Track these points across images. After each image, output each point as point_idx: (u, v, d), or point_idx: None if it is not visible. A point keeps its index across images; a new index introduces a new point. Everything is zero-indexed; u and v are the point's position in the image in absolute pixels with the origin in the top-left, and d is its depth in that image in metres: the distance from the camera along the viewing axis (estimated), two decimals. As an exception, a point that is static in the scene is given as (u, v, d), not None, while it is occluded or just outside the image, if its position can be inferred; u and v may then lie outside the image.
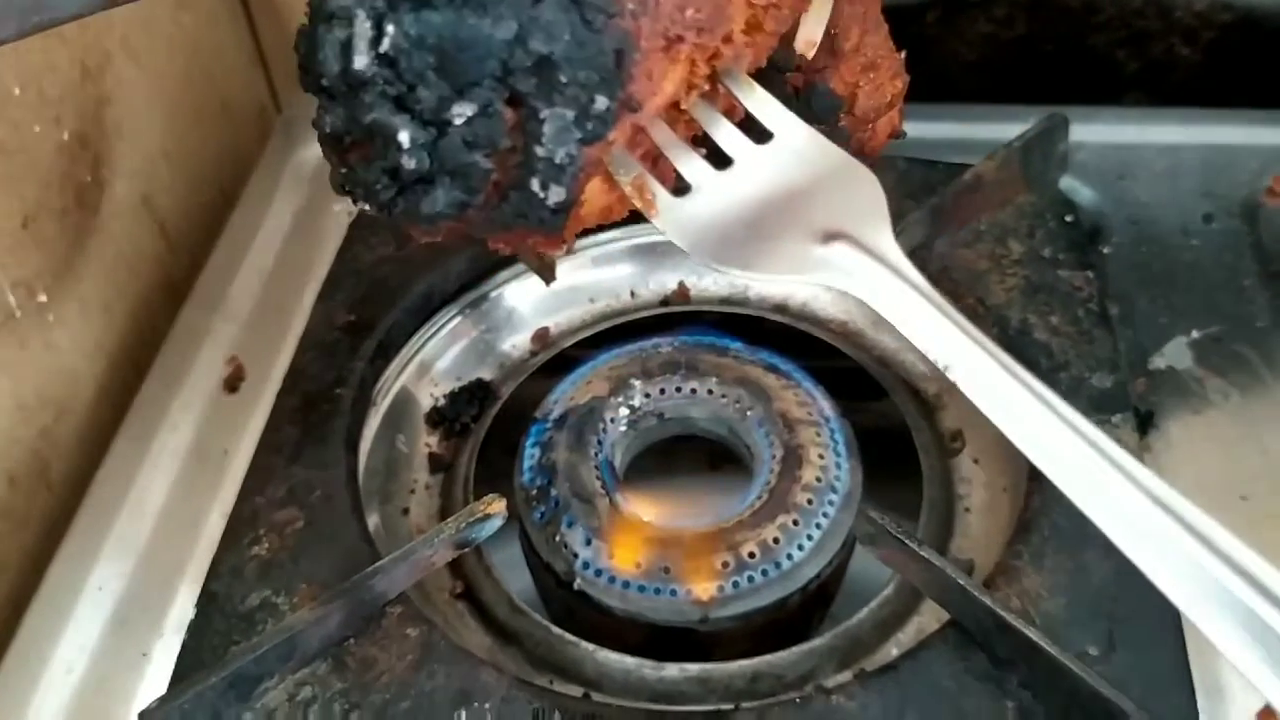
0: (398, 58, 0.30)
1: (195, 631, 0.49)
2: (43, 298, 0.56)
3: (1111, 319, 0.57)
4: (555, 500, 0.54)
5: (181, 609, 0.51)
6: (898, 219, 0.58)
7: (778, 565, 0.52)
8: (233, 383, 0.60)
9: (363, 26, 0.30)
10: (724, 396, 0.59)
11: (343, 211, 0.69)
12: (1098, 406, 0.53)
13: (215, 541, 0.52)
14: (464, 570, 0.55)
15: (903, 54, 0.47)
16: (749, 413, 0.58)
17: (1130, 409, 0.53)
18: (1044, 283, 0.58)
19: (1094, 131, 0.67)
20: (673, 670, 0.50)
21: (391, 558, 0.47)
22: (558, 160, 0.31)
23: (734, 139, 0.35)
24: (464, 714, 0.45)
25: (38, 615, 0.52)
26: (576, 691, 0.50)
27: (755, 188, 0.34)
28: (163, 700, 0.44)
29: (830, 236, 0.33)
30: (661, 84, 0.32)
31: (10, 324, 0.54)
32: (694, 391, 0.59)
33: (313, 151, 0.74)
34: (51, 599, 0.52)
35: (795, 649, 0.50)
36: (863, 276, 0.33)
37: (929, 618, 0.51)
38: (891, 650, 0.51)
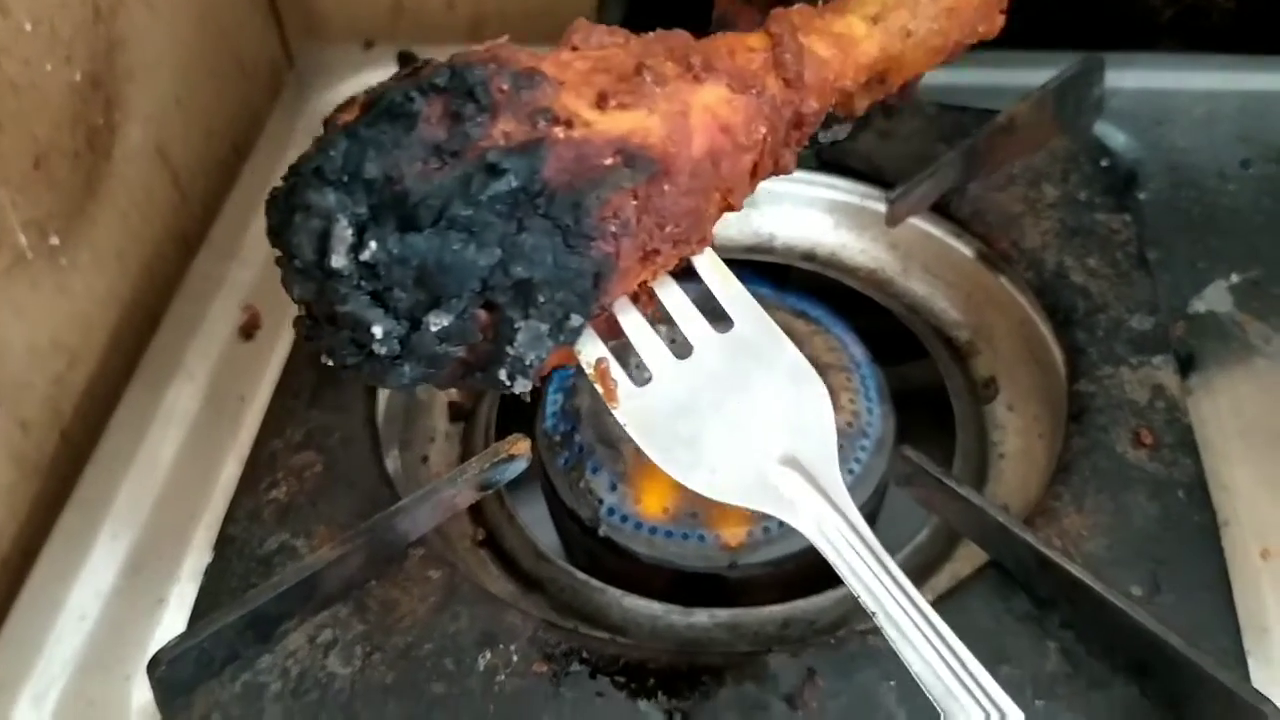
0: (377, 266, 0.29)
1: (213, 575, 0.48)
2: (55, 240, 0.55)
3: (1149, 262, 0.55)
4: (579, 446, 0.53)
5: (198, 555, 0.50)
6: (928, 162, 0.57)
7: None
8: (248, 330, 0.59)
9: (343, 230, 0.29)
10: (751, 342, 0.57)
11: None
12: (1138, 348, 0.51)
13: (231, 488, 0.51)
14: (486, 517, 0.54)
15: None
16: (777, 358, 0.56)
17: (1170, 351, 0.51)
18: (1080, 226, 0.57)
19: (1130, 77, 0.65)
20: (702, 616, 0.48)
21: (413, 497, 0.46)
22: (528, 362, 0.31)
23: (696, 326, 0.35)
24: (489, 655, 0.44)
25: (49, 562, 0.51)
26: (603, 637, 0.48)
27: (712, 383, 0.35)
28: (181, 638, 0.43)
29: (783, 459, 0.34)
30: (630, 285, 0.32)
31: (22, 264, 0.53)
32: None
33: (325, 105, 0.73)
34: (64, 546, 0.51)
35: (827, 594, 0.49)
36: (808, 513, 0.34)
37: (964, 564, 0.50)
38: (926, 596, 0.49)
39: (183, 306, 0.61)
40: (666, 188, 0.31)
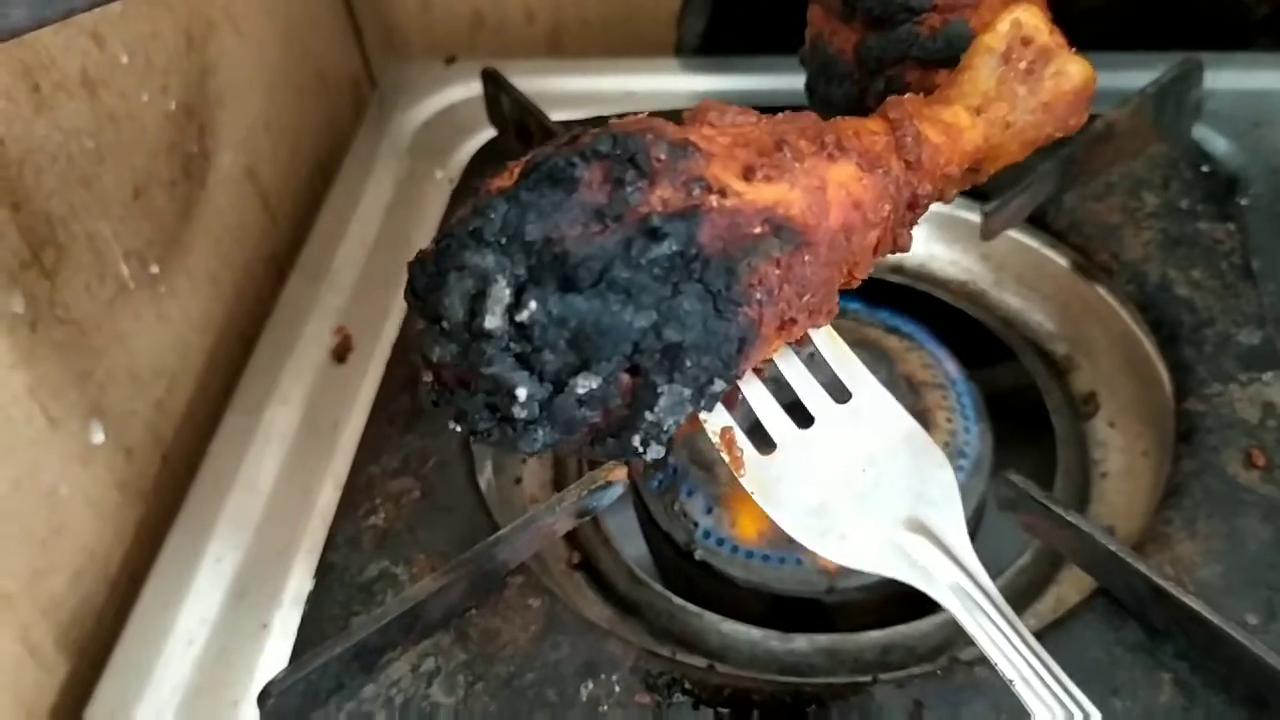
0: (532, 327, 0.29)
1: (315, 602, 0.48)
2: (155, 269, 0.56)
3: (1255, 274, 0.54)
4: (674, 468, 0.52)
5: (299, 580, 0.51)
6: (1023, 172, 0.56)
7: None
8: (341, 353, 0.60)
9: (501, 291, 0.30)
10: (844, 360, 0.57)
11: (444, 179, 0.68)
12: (1247, 364, 0.50)
13: (330, 513, 0.52)
14: (581, 540, 0.54)
15: (1042, -9, 0.44)
16: (870, 376, 0.56)
17: (1281, 366, 0.50)
18: (1183, 236, 0.55)
19: (1226, 78, 0.63)
20: (801, 641, 0.48)
21: (513, 526, 0.46)
22: (665, 427, 0.31)
23: (817, 398, 0.36)
24: (591, 685, 0.44)
25: (157, 588, 0.52)
26: (701, 663, 0.48)
27: (835, 453, 0.35)
28: (289, 671, 0.43)
29: (910, 525, 0.35)
30: (767, 353, 0.33)
31: (125, 295, 0.54)
32: (812, 356, 0.57)
33: (410, 121, 0.74)
34: (170, 571, 0.52)
35: (927, 620, 0.48)
36: (943, 580, 0.35)
37: (1068, 587, 0.49)
38: (1029, 621, 0.48)
39: (276, 329, 0.62)
40: (807, 258, 0.32)
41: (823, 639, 0.48)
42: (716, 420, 0.34)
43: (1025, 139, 0.39)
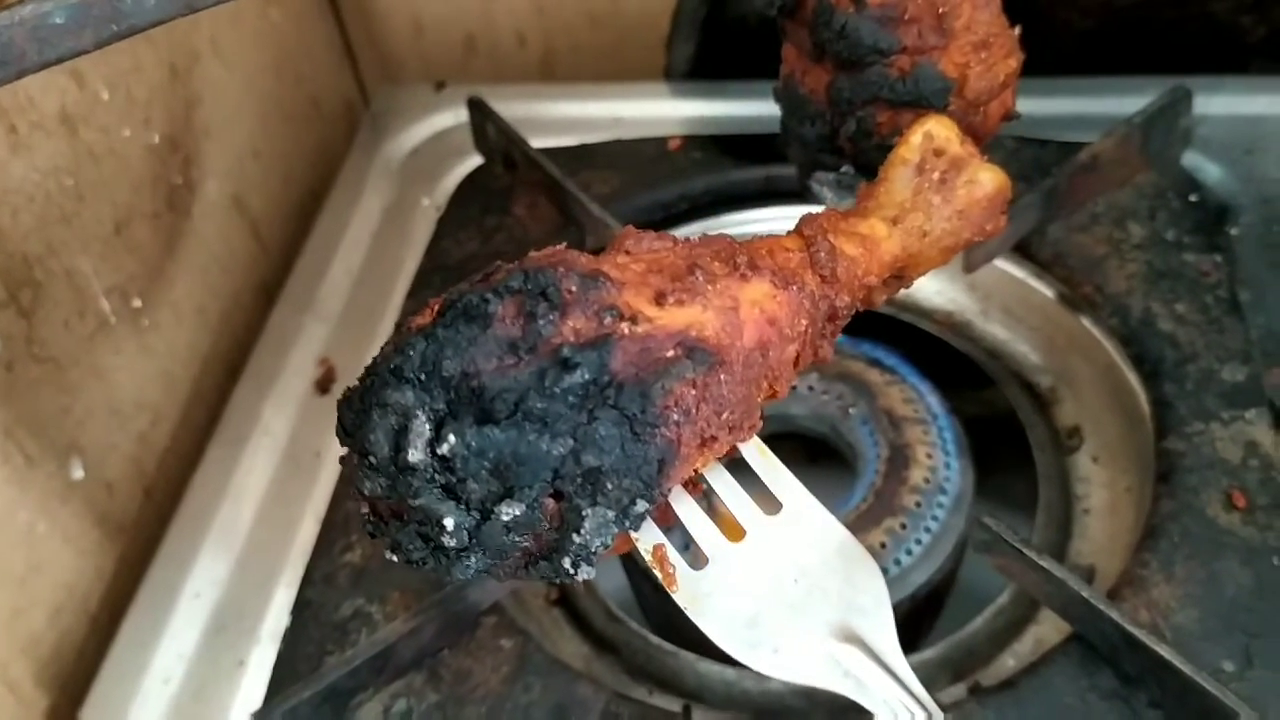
0: (454, 459, 0.31)
1: (290, 640, 0.48)
2: (137, 302, 0.56)
3: (1243, 306, 0.53)
4: (651, 504, 0.52)
5: (277, 616, 0.51)
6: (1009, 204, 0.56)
7: (885, 571, 0.50)
8: (324, 384, 0.60)
9: (421, 426, 0.31)
10: (825, 393, 0.56)
11: (431, 207, 0.68)
12: (1229, 402, 0.49)
13: (310, 546, 0.52)
14: (559, 576, 0.54)
15: (1016, 30, 0.44)
16: (851, 410, 0.55)
17: (1265, 403, 0.49)
18: (1168, 268, 0.55)
19: (1218, 103, 0.62)
20: (776, 682, 0.48)
21: (484, 567, 0.46)
22: (593, 549, 0.32)
23: (747, 510, 0.36)
24: (561, 729, 0.43)
25: (135, 623, 0.52)
26: (676, 705, 0.48)
27: (767, 565, 0.36)
28: (257, 716, 0.44)
29: (843, 635, 0.35)
30: (689, 471, 0.34)
31: (105, 331, 0.54)
32: (794, 387, 0.57)
33: (400, 146, 0.74)
34: (149, 607, 0.52)
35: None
36: (876, 691, 0.35)
37: (1048, 627, 0.49)
38: (1008, 662, 0.48)
39: (261, 360, 0.62)
40: (723, 377, 0.33)
41: (798, 679, 0.47)
42: (648, 538, 0.35)
43: (944, 246, 0.40)
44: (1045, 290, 0.58)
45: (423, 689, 0.46)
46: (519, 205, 0.65)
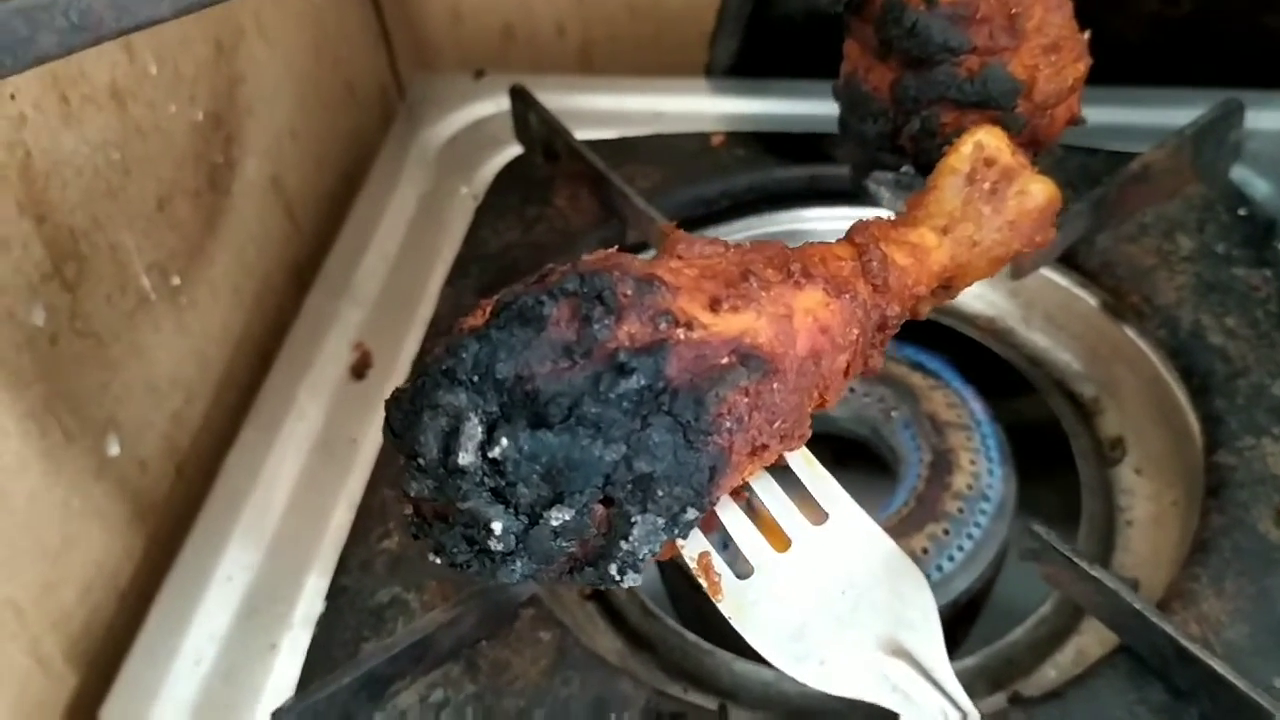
0: (504, 463, 0.30)
1: (325, 626, 0.48)
2: (176, 280, 0.56)
3: (1292, 322, 0.53)
4: (691, 501, 0.52)
5: (310, 601, 0.50)
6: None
7: (927, 577, 0.49)
8: (360, 370, 0.59)
9: (474, 428, 0.31)
10: (867, 395, 0.56)
11: (469, 195, 0.68)
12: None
13: (344, 533, 0.51)
14: (594, 570, 0.53)
15: (1086, 34, 0.43)
16: (894, 413, 0.55)
17: (1316, 421, 0.49)
18: (1217, 281, 0.54)
19: (1268, 118, 0.62)
20: (814, 685, 0.47)
21: (527, 558, 0.45)
22: (641, 555, 0.32)
23: (793, 520, 0.36)
24: (601, 724, 0.43)
25: (167, 604, 0.51)
26: (712, 703, 0.48)
27: (813, 576, 0.36)
28: (295, 700, 0.43)
29: (890, 649, 0.35)
30: (739, 479, 0.34)
31: (145, 307, 0.54)
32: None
33: (437, 134, 0.73)
34: (181, 587, 0.52)
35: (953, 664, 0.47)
36: (926, 705, 0.35)
37: (1090, 638, 0.48)
38: (1049, 673, 0.48)
39: (295, 344, 0.61)
40: (775, 385, 0.33)
41: (837, 682, 0.47)
42: (693, 546, 0.35)
43: (993, 256, 0.40)
44: (1089, 299, 0.57)
45: (460, 679, 0.45)
46: (560, 196, 0.64)
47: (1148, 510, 0.52)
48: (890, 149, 0.46)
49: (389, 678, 0.44)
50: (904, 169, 0.46)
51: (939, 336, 0.59)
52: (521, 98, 0.65)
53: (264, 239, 0.64)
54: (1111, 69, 0.62)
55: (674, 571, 0.52)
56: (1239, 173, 0.60)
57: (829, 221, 0.62)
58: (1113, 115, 0.64)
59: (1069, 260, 0.57)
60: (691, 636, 0.49)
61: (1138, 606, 0.41)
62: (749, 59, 0.72)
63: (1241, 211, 0.58)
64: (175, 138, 0.56)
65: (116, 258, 0.52)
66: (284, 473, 0.56)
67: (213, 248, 0.59)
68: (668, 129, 0.68)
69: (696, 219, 0.63)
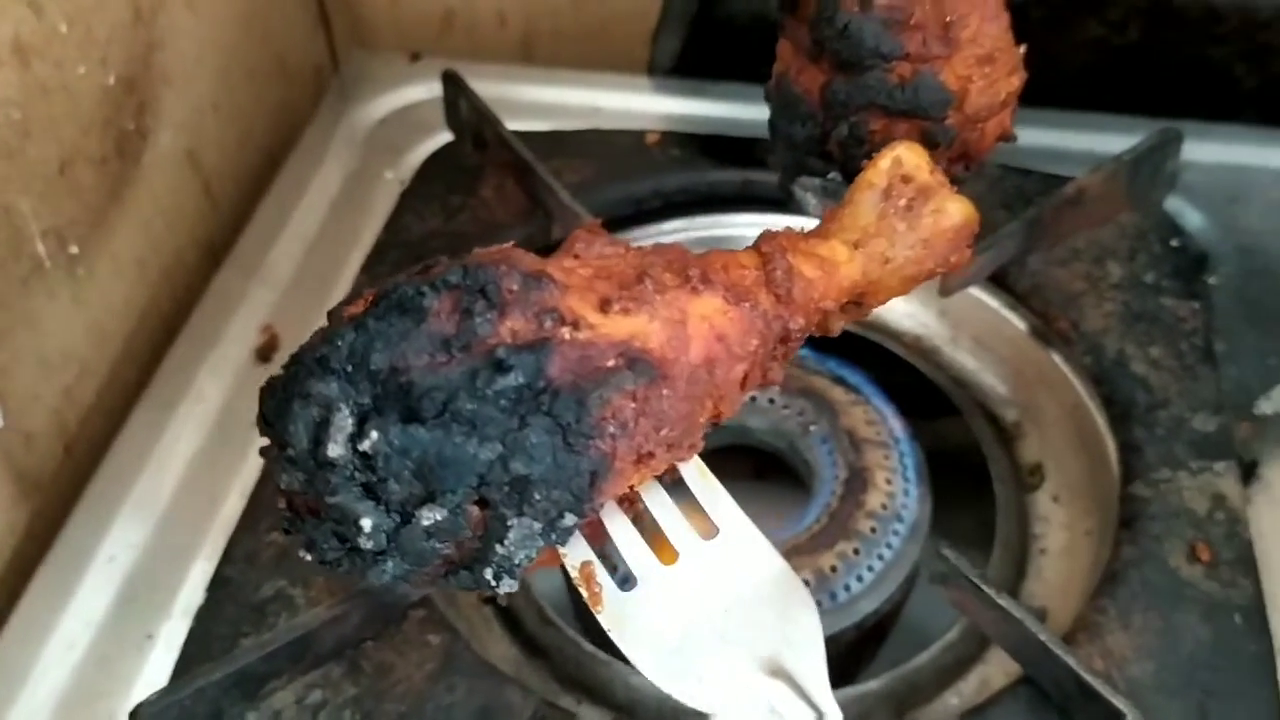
0: (375, 457, 0.29)
1: (203, 618, 0.46)
2: (74, 249, 0.53)
3: (1217, 356, 0.52)
4: (598, 506, 0.50)
5: (192, 590, 0.48)
6: (988, 228, 0.54)
7: (833, 596, 0.48)
8: (266, 353, 0.57)
9: (344, 419, 0.30)
10: (786, 407, 0.55)
11: (395, 180, 0.66)
12: (1199, 452, 0.48)
13: (232, 523, 0.49)
14: (495, 573, 0.51)
15: (1022, 49, 0.42)
16: (812, 427, 0.54)
17: (1234, 457, 0.48)
18: (1145, 310, 0.53)
19: (1206, 150, 0.62)
20: (711, 703, 0.46)
21: (418, 557, 0.43)
22: (516, 561, 0.31)
23: (682, 533, 0.35)
24: (484, 735, 0.41)
25: (45, 582, 0.49)
26: (607, 717, 0.46)
27: (698, 591, 0.34)
28: (163, 693, 0.41)
29: (771, 669, 0.34)
30: (624, 486, 0.32)
31: (39, 275, 0.51)
32: (754, 399, 0.55)
33: (368, 115, 0.71)
34: (60, 566, 0.49)
35: (844, 690, 0.46)
36: None
37: (995, 667, 0.47)
38: (951, 701, 0.46)
39: (201, 322, 0.59)
40: (665, 392, 0.32)
41: (735, 701, 0.46)
42: (576, 554, 0.33)
43: (905, 275, 0.39)
44: (1018, 322, 0.56)
45: (341, 681, 0.43)
46: (486, 186, 0.62)
47: (1062, 539, 0.51)
48: (819, 154, 0.44)
49: (264, 676, 0.42)
50: (831, 175, 0.45)
51: (864, 351, 0.58)
52: (454, 82, 0.63)
53: (175, 213, 0.62)
54: (1052, 92, 0.62)
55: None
56: (1173, 203, 0.60)
57: (761, 228, 0.60)
58: (1051, 139, 0.63)
59: (999, 281, 0.56)
60: (589, 647, 0.48)
61: (1042, 638, 0.40)
62: (691, 60, 0.70)
63: (1174, 242, 0.57)
64: (82, 101, 0.53)
65: (10, 221, 0.49)
66: (177, 454, 0.53)
67: (117, 218, 0.57)
68: (606, 124, 0.66)
69: (625, 218, 0.61)
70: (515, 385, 0.29)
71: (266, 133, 0.70)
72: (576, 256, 0.34)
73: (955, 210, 0.39)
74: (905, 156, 0.39)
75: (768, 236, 0.37)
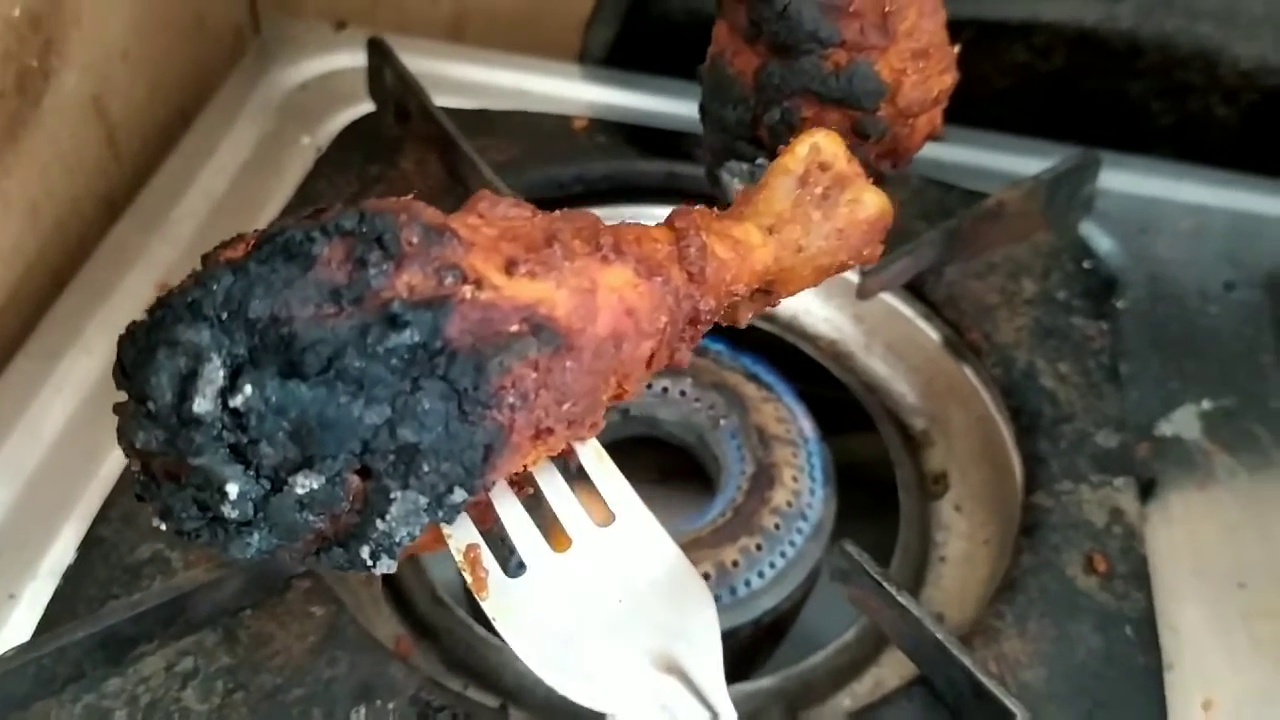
0: (247, 415, 0.26)
1: (72, 577, 0.43)
2: (-40, 185, 0.50)
3: (1121, 377, 0.53)
4: (498, 487, 0.49)
5: (61, 550, 0.45)
6: (907, 236, 0.54)
7: (733, 591, 0.47)
8: (160, 310, 0.55)
9: (214, 371, 0.26)
10: (697, 400, 0.54)
11: (311, 145, 0.64)
12: (1100, 466, 0.48)
13: (111, 482, 0.47)
14: (386, 550, 0.50)
15: (956, 48, 0.42)
16: (722, 421, 0.53)
17: (1134, 473, 0.49)
18: (1055, 327, 0.54)
19: (1121, 180, 0.63)
20: (602, 692, 0.44)
21: (306, 524, 0.42)
22: (397, 538, 0.28)
23: (576, 519, 0.33)
24: (363, 711, 0.39)
25: (-98, 534, 0.46)
26: (494, 701, 0.45)
27: (591, 582, 0.33)
28: (21, 650, 0.38)
29: (663, 664, 0.32)
30: (519, 463, 0.30)
31: (-83, 206, 0.48)
32: (665, 390, 0.54)
33: (287, 79, 0.69)
34: (-82, 517, 0.46)
35: (737, 687, 0.45)
36: None
37: (889, 670, 0.47)
38: (844, 701, 0.46)
39: (93, 274, 0.56)
40: (569, 364, 0.30)
41: (626, 691, 0.44)
42: (461, 536, 0.31)
43: (818, 264, 0.38)
44: (931, 333, 0.56)
45: (215, 649, 0.41)
46: (406, 159, 0.61)
47: (961, 548, 0.51)
48: (748, 139, 0.44)
49: (133, 639, 0.40)
50: (759, 161, 0.44)
51: (778, 352, 0.58)
52: (379, 51, 0.62)
53: (75, 161, 0.59)
54: (977, 111, 0.62)
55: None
56: (1087, 228, 0.61)
57: (682, 221, 0.60)
58: (974, 156, 0.64)
59: (916, 290, 0.56)
60: (480, 630, 0.46)
61: (939, 637, 0.40)
62: (624, 51, 0.70)
63: (1086, 264, 0.58)
64: (-18, 29, 0.50)
65: (-109, 147, 0.46)
66: (57, 408, 0.50)
67: (10, 159, 0.54)
68: (534, 108, 0.65)
69: (547, 201, 0.59)
70: (409, 344, 0.27)
71: (178, 88, 0.68)
72: (480, 215, 0.31)
73: (871, 202, 0.38)
74: (823, 144, 0.38)
75: (682, 213, 0.36)
